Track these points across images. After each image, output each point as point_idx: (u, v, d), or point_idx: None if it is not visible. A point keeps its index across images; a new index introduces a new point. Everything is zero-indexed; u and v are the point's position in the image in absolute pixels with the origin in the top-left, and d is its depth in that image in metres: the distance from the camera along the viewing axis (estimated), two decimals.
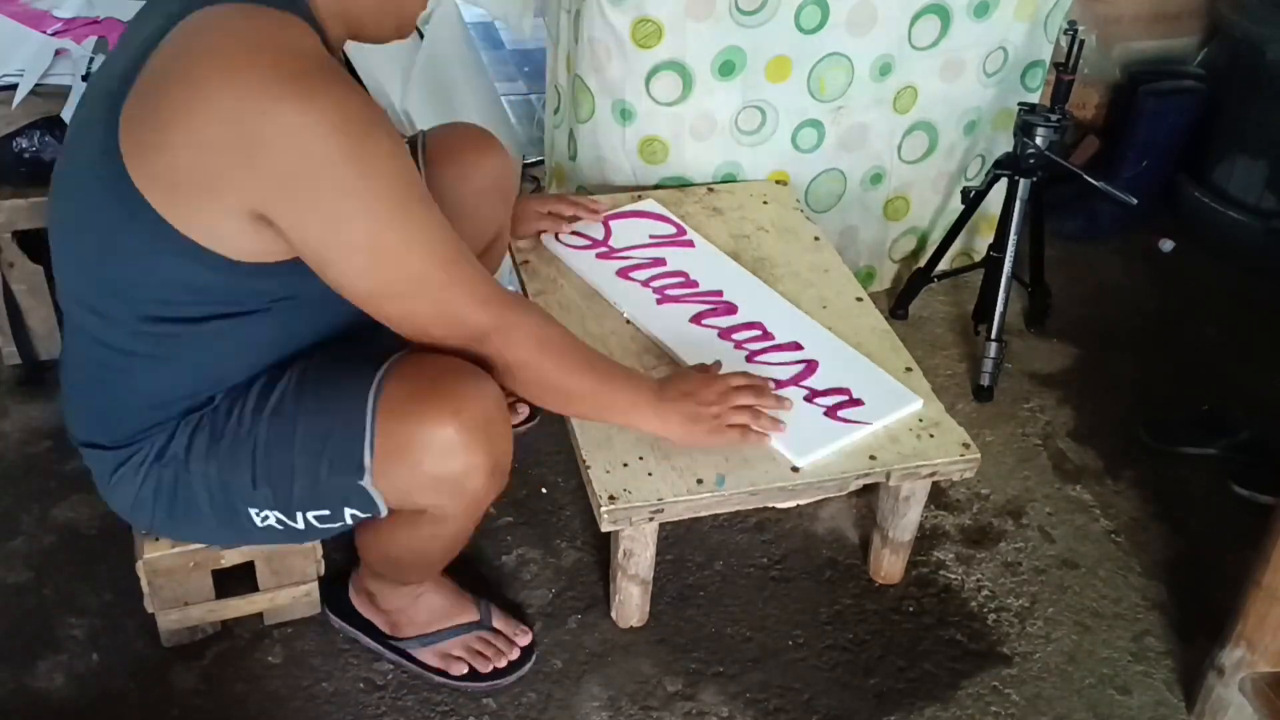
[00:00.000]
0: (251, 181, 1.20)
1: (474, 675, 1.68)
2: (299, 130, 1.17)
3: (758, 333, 1.81)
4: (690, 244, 1.99)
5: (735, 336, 1.80)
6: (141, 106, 1.22)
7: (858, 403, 1.70)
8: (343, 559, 1.81)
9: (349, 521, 1.46)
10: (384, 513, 1.43)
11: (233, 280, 1.30)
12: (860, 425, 1.67)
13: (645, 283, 1.89)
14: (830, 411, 1.68)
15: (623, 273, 1.91)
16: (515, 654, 1.71)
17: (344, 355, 1.45)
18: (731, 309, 1.85)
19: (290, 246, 1.26)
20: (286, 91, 1.17)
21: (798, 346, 1.79)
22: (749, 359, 1.76)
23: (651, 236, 2.00)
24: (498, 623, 1.73)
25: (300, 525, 1.45)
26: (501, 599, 1.80)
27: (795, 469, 1.60)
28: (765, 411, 1.60)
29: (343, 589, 1.74)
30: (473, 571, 1.84)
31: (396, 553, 1.59)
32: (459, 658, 1.68)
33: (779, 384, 1.71)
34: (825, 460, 1.62)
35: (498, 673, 1.69)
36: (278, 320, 1.38)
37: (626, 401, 1.53)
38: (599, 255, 1.95)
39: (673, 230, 2.01)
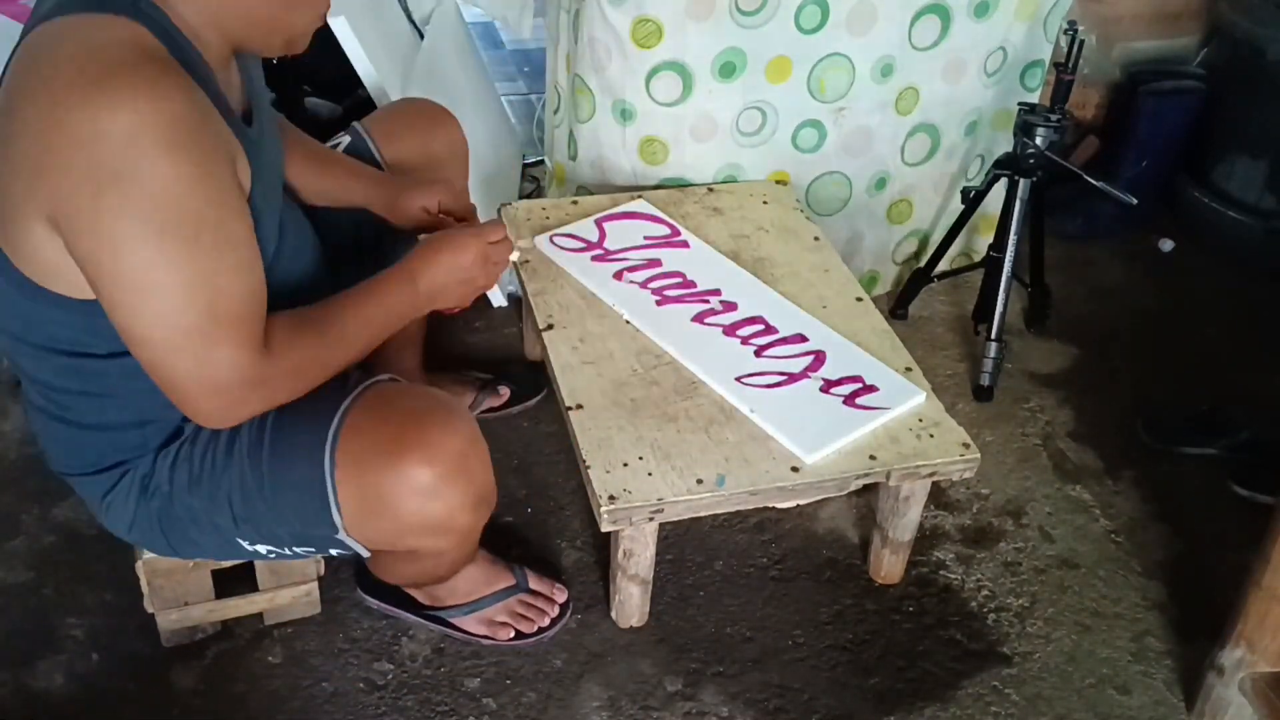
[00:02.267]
0: (42, 191, 1.13)
1: (518, 636, 1.73)
2: (90, 140, 1.08)
3: (761, 327, 1.81)
4: (685, 244, 1.99)
5: (740, 333, 1.80)
6: None
7: (872, 389, 1.71)
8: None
9: (335, 553, 1.48)
10: (367, 555, 1.46)
11: (91, 320, 1.23)
12: (880, 411, 1.68)
13: (643, 284, 1.89)
14: (849, 400, 1.69)
15: (620, 275, 1.91)
16: (555, 611, 1.76)
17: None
18: (732, 306, 1.85)
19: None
20: (83, 98, 1.08)
21: (803, 339, 1.80)
22: (757, 354, 1.76)
23: (646, 238, 2.00)
24: (534, 584, 1.78)
25: (291, 554, 1.48)
26: None
27: (795, 469, 1.61)
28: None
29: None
30: None
31: (406, 577, 1.64)
32: (503, 623, 1.73)
33: (792, 377, 1.72)
34: (827, 459, 1.62)
35: (541, 631, 1.74)
36: None
37: (395, 324, 1.43)
38: (594, 258, 1.95)
39: (666, 231, 2.01)
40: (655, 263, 1.94)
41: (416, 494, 1.34)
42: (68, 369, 1.33)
